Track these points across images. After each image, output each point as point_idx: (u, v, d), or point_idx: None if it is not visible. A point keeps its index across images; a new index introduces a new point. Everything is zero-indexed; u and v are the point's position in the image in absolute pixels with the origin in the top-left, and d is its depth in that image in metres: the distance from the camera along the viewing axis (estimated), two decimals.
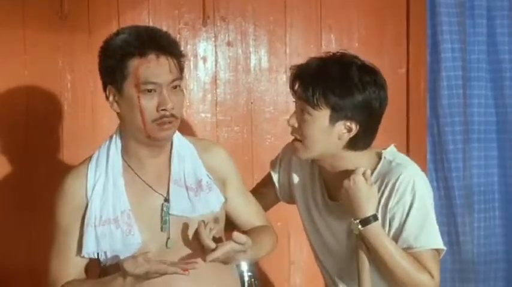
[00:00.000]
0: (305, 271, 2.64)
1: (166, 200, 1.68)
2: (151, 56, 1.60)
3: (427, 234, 1.70)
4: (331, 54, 1.74)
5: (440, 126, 2.76)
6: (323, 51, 1.78)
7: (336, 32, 2.66)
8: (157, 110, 1.60)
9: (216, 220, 1.71)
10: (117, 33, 1.64)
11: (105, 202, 1.65)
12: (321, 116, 1.67)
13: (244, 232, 1.81)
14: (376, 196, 1.70)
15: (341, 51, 1.75)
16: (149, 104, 1.59)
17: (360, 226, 1.67)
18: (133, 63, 1.59)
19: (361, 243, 1.71)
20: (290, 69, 1.76)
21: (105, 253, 1.64)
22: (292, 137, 1.78)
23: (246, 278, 1.86)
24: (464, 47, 2.75)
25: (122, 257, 1.60)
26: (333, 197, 1.81)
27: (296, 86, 1.72)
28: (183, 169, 1.71)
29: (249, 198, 1.87)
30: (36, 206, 2.36)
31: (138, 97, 1.59)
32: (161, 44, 1.62)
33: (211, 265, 1.63)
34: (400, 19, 2.72)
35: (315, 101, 1.66)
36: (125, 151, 1.70)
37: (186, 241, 1.68)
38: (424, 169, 2.69)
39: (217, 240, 1.62)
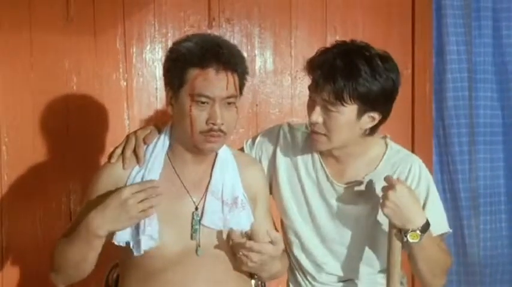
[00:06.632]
0: None
1: (197, 208, 1.67)
2: (211, 70, 1.59)
3: (444, 219, 1.78)
4: (343, 43, 1.72)
5: (446, 128, 2.75)
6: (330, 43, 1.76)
7: (341, 34, 2.66)
8: (206, 123, 1.60)
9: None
10: (186, 39, 1.62)
11: None
12: (349, 111, 1.67)
13: None
14: (419, 198, 1.73)
15: (351, 41, 1.74)
16: (199, 115, 1.59)
17: (419, 233, 1.65)
18: (193, 73, 1.59)
19: (392, 237, 1.70)
20: (309, 64, 1.72)
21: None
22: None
23: (253, 281, 1.86)
24: (470, 48, 2.74)
25: (136, 248, 1.61)
26: (338, 180, 1.80)
27: (322, 84, 1.66)
28: (222, 181, 1.71)
29: (271, 221, 1.85)
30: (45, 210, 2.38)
31: (190, 107, 1.59)
32: (223, 59, 1.59)
33: (229, 270, 1.67)
34: (405, 21, 2.72)
35: (346, 97, 1.64)
36: (172, 151, 1.70)
37: (215, 250, 1.67)
38: (429, 171, 2.71)
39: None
